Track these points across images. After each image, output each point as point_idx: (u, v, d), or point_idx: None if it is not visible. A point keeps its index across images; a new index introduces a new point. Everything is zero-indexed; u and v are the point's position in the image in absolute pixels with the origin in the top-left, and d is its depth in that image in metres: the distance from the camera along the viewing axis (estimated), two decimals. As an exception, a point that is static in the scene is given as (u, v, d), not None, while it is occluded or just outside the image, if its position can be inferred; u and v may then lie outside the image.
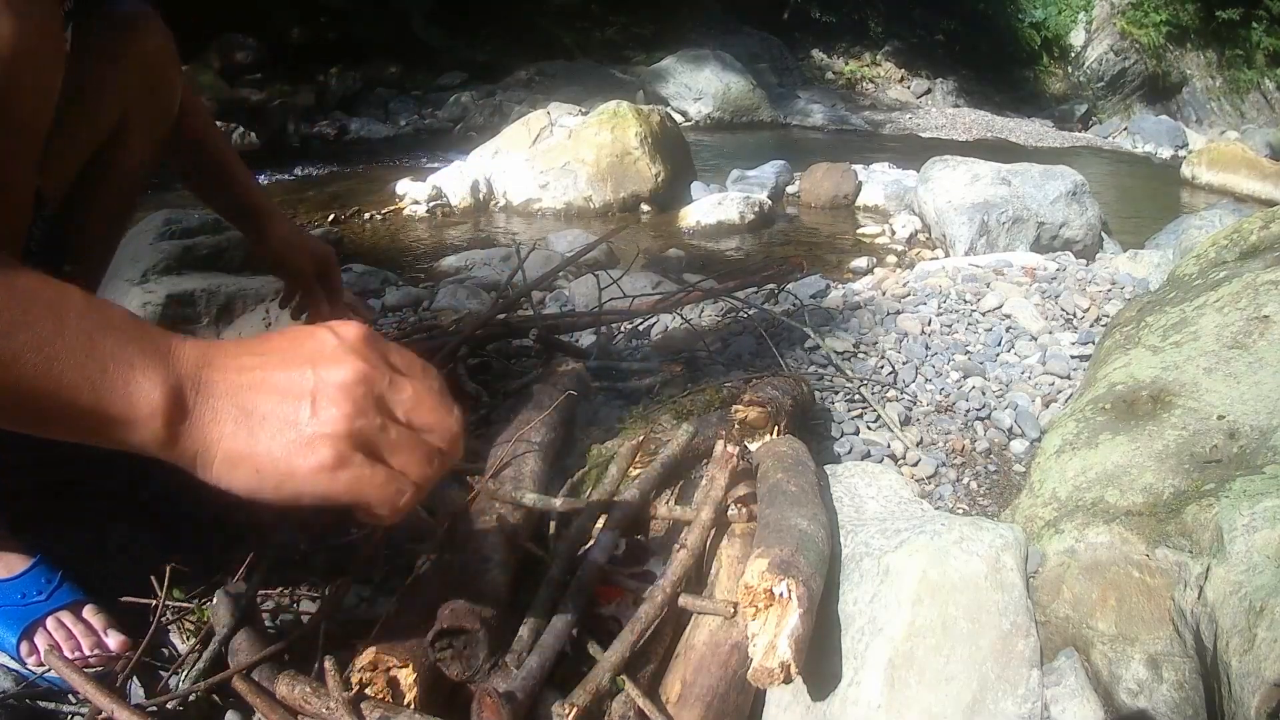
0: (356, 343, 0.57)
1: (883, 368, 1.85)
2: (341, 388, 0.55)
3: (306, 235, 1.42)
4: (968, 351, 1.95)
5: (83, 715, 0.92)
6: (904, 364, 1.87)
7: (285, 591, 1.10)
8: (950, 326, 2.07)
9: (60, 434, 0.53)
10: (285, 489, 0.55)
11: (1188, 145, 9.25)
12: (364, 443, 0.56)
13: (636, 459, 1.14)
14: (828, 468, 1.23)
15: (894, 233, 4.13)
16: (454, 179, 4.37)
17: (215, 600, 0.99)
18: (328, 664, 0.81)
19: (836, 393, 1.72)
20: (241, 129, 5.46)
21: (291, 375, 0.55)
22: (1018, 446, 1.63)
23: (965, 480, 1.54)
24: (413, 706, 0.81)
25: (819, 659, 0.88)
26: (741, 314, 2.07)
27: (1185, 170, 7.00)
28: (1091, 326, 2.05)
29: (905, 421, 1.66)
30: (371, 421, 0.56)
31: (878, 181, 4.75)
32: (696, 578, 0.97)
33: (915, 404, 1.74)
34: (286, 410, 0.54)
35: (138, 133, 1.08)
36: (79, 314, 0.52)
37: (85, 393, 0.50)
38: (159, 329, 0.55)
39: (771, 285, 2.23)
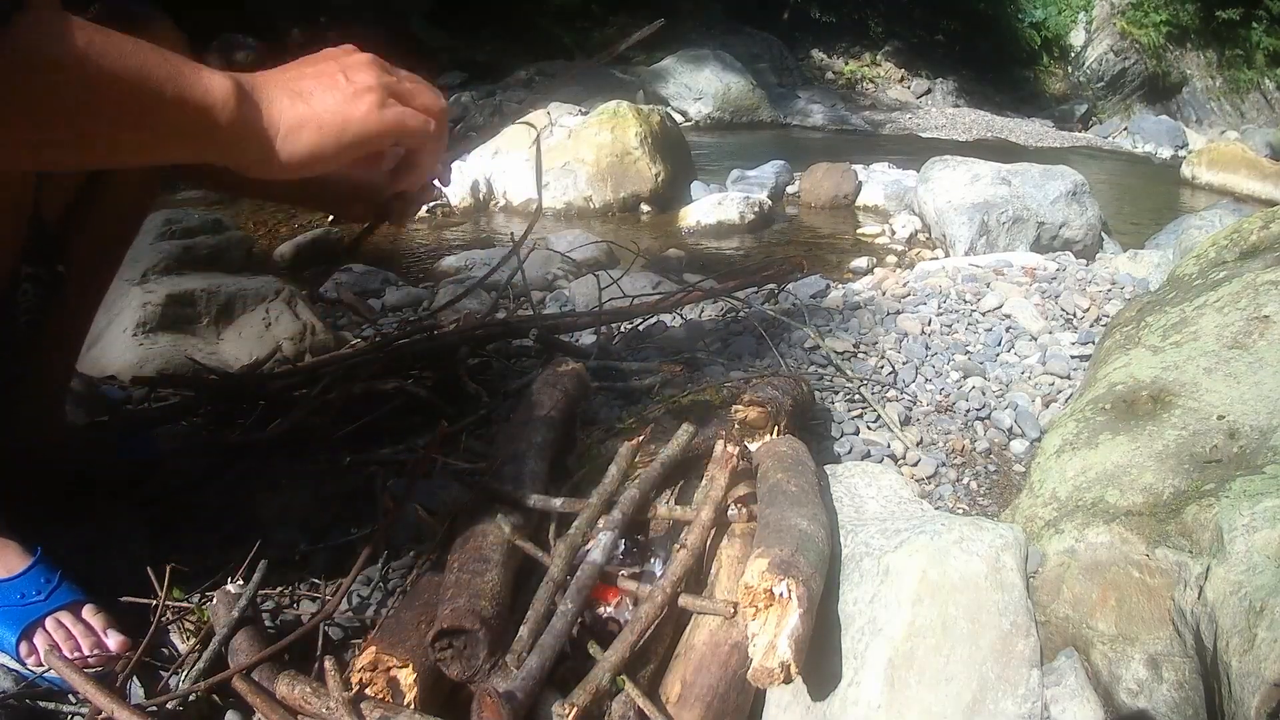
0: (358, 49, 0.75)
1: (883, 368, 1.85)
2: (363, 63, 0.73)
3: None
4: (968, 351, 1.95)
5: (83, 715, 0.92)
6: (904, 364, 1.87)
7: (285, 591, 1.11)
8: (950, 326, 2.07)
9: (159, 131, 0.64)
10: (346, 136, 0.70)
11: (1188, 145, 9.26)
12: (393, 91, 0.73)
13: (636, 459, 1.14)
14: (828, 468, 1.23)
15: (894, 233, 4.13)
16: (454, 179, 4.36)
17: (215, 600, 0.99)
18: (328, 664, 0.81)
19: (836, 393, 1.72)
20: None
21: (320, 67, 0.72)
22: (1018, 446, 1.63)
23: (965, 480, 1.54)
24: (413, 706, 0.81)
25: (819, 659, 0.88)
26: (741, 314, 2.07)
27: (1185, 170, 7.00)
28: (1091, 326, 2.05)
29: (905, 421, 1.66)
30: (392, 78, 0.74)
31: (878, 181, 4.75)
32: (696, 578, 0.97)
33: (915, 404, 1.74)
34: (327, 83, 0.70)
35: None
36: (150, 43, 0.63)
37: (171, 85, 0.62)
38: None
39: (771, 285, 2.23)
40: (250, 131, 0.67)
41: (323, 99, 0.69)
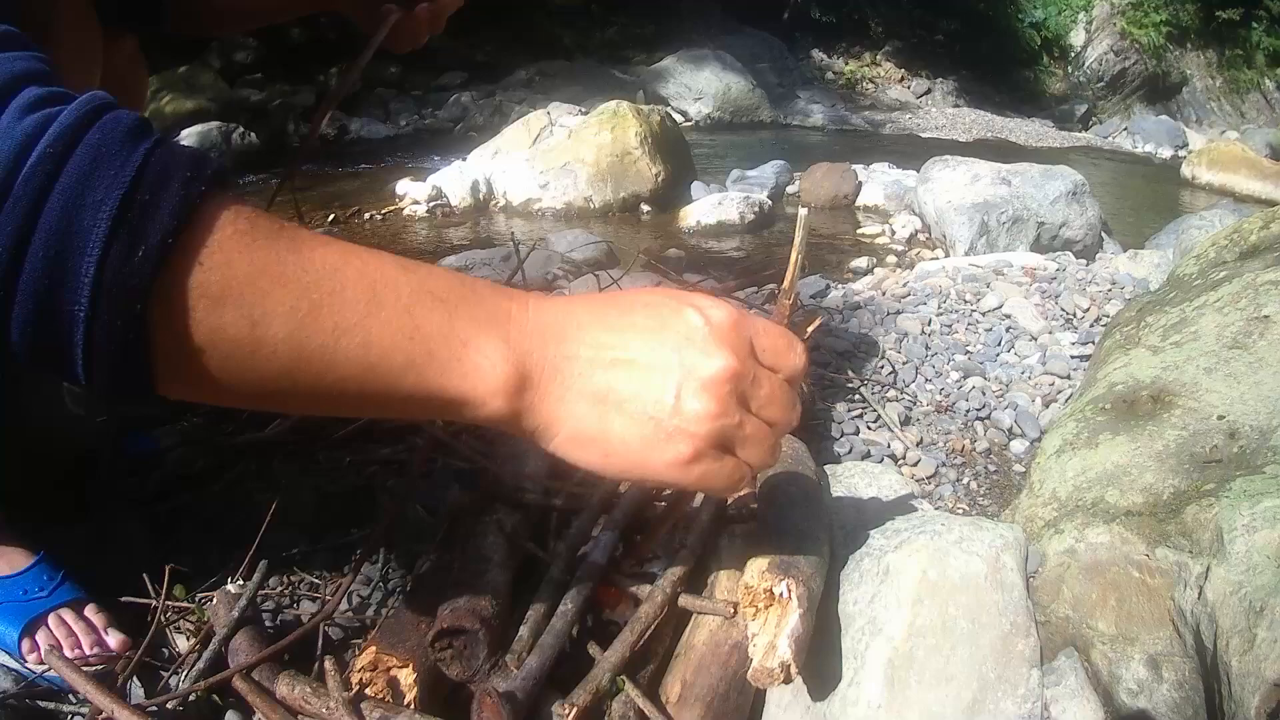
0: (727, 331, 0.54)
1: (883, 368, 1.85)
2: (708, 384, 0.52)
3: None
4: (968, 351, 1.95)
5: (83, 715, 0.92)
6: (904, 364, 1.87)
7: (285, 591, 1.11)
8: (950, 326, 2.07)
9: (391, 415, 0.55)
10: (632, 474, 0.54)
11: (1188, 145, 9.24)
12: (721, 440, 0.54)
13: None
14: (828, 468, 1.23)
15: (894, 233, 4.13)
16: (454, 179, 4.37)
17: (215, 600, 0.99)
18: (328, 664, 0.81)
19: (836, 393, 1.72)
20: (241, 129, 5.45)
21: (655, 360, 0.52)
22: (1018, 446, 1.63)
23: (965, 480, 1.54)
24: (413, 706, 0.81)
25: (819, 659, 0.88)
26: (741, 314, 2.06)
27: (1185, 170, 7.00)
28: (1091, 326, 2.05)
29: (905, 421, 1.66)
30: (731, 420, 0.53)
31: (878, 181, 4.75)
32: (697, 578, 0.97)
33: (915, 404, 1.74)
34: (647, 399, 0.51)
35: None
36: (393, 286, 0.46)
37: (410, 377, 0.47)
38: (493, 288, 0.51)
39: (772, 285, 2.23)
40: (520, 427, 0.52)
41: (624, 424, 0.51)
